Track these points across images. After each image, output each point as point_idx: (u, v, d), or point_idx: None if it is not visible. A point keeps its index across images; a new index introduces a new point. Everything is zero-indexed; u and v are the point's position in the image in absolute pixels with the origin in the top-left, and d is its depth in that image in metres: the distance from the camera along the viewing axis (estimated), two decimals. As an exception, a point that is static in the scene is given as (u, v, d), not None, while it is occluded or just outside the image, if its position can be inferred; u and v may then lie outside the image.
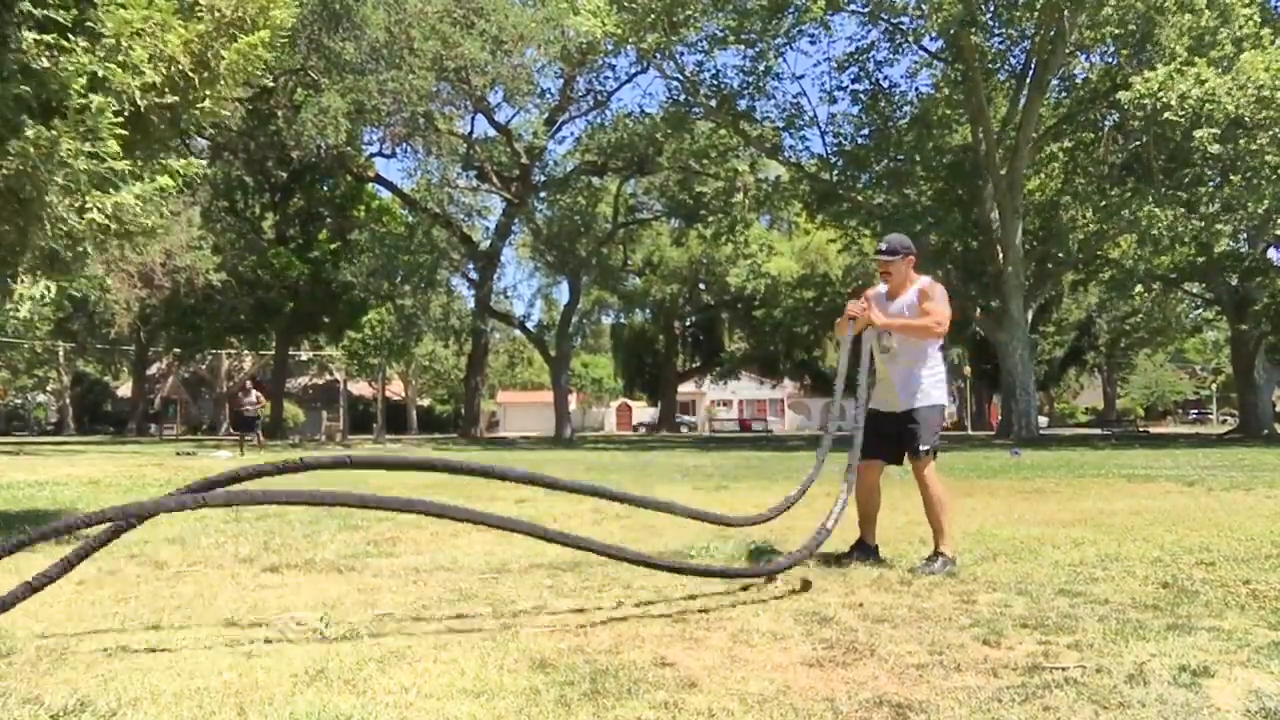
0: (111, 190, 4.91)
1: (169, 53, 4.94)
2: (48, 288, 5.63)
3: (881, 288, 4.69)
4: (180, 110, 5.24)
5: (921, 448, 4.40)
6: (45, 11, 4.52)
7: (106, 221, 4.96)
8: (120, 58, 4.74)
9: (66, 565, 2.99)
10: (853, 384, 4.56)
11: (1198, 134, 19.83)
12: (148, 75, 4.83)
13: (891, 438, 4.54)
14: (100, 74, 4.67)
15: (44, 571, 2.97)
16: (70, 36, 4.63)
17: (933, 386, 4.52)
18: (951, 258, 27.03)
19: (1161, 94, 19.89)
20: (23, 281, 5.61)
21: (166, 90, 5.02)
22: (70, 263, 5.39)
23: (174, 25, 4.97)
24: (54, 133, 4.57)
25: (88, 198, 4.84)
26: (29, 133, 4.53)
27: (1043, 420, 41.78)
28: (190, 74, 5.09)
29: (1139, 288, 30.59)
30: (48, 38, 4.56)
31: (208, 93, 5.24)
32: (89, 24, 4.72)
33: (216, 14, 5.26)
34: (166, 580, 4.22)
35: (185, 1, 5.19)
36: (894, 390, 4.55)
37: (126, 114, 4.85)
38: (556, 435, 34.53)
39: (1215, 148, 20.13)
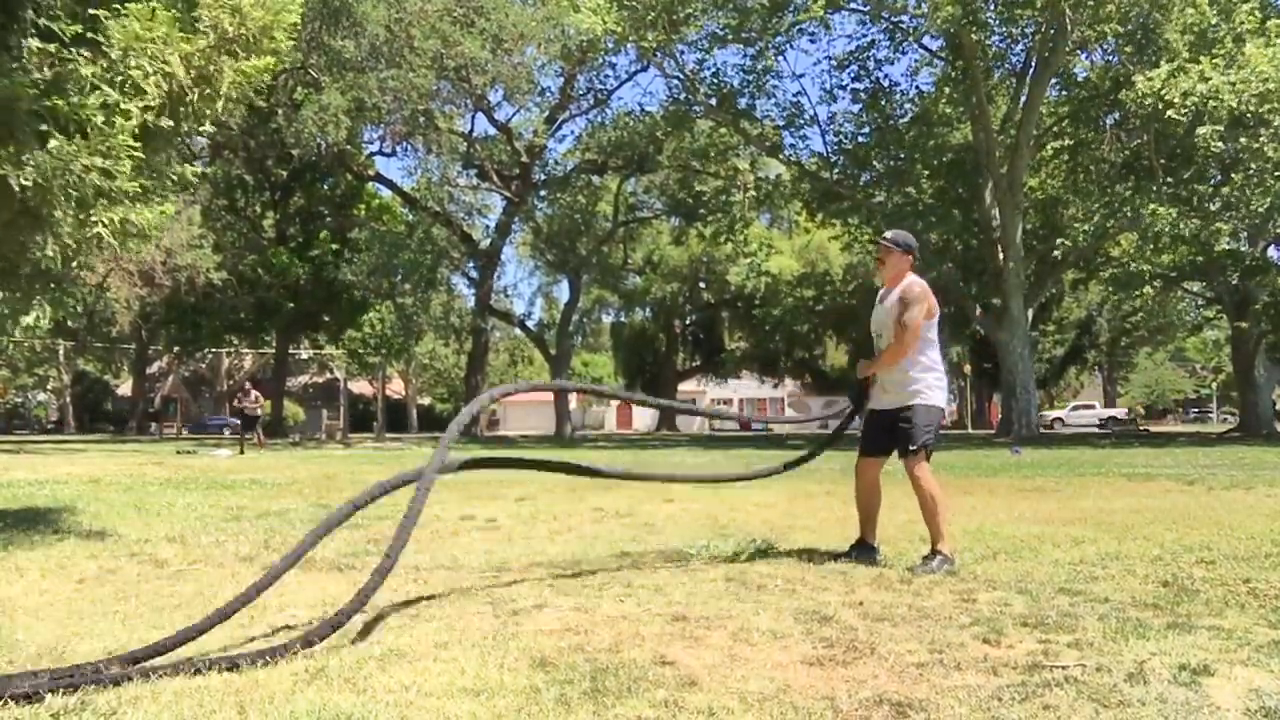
0: (119, 206, 4.93)
1: (170, 70, 4.94)
2: (41, 313, 5.68)
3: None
4: (182, 128, 5.26)
5: (910, 446, 4.40)
6: (48, 22, 4.53)
7: (112, 237, 4.99)
8: (125, 74, 4.75)
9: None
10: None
11: (1201, 130, 19.77)
12: (150, 95, 4.84)
13: (886, 434, 4.56)
14: (111, 96, 4.69)
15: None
16: (71, 49, 4.64)
17: (928, 387, 4.50)
18: (952, 256, 27.04)
19: (1165, 92, 19.84)
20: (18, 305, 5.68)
21: (166, 109, 5.03)
22: (67, 275, 5.41)
23: (175, 40, 4.97)
24: (74, 148, 4.59)
25: (92, 212, 4.86)
26: (51, 145, 4.56)
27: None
28: (190, 91, 5.09)
29: (1147, 289, 30.61)
30: (50, 47, 4.57)
31: (209, 110, 5.26)
32: (90, 35, 4.72)
33: (219, 30, 5.26)
34: (167, 579, 4.22)
35: (187, 16, 5.20)
36: (887, 388, 4.58)
37: (134, 132, 4.87)
38: (557, 434, 34.54)
39: (1218, 144, 20.05)
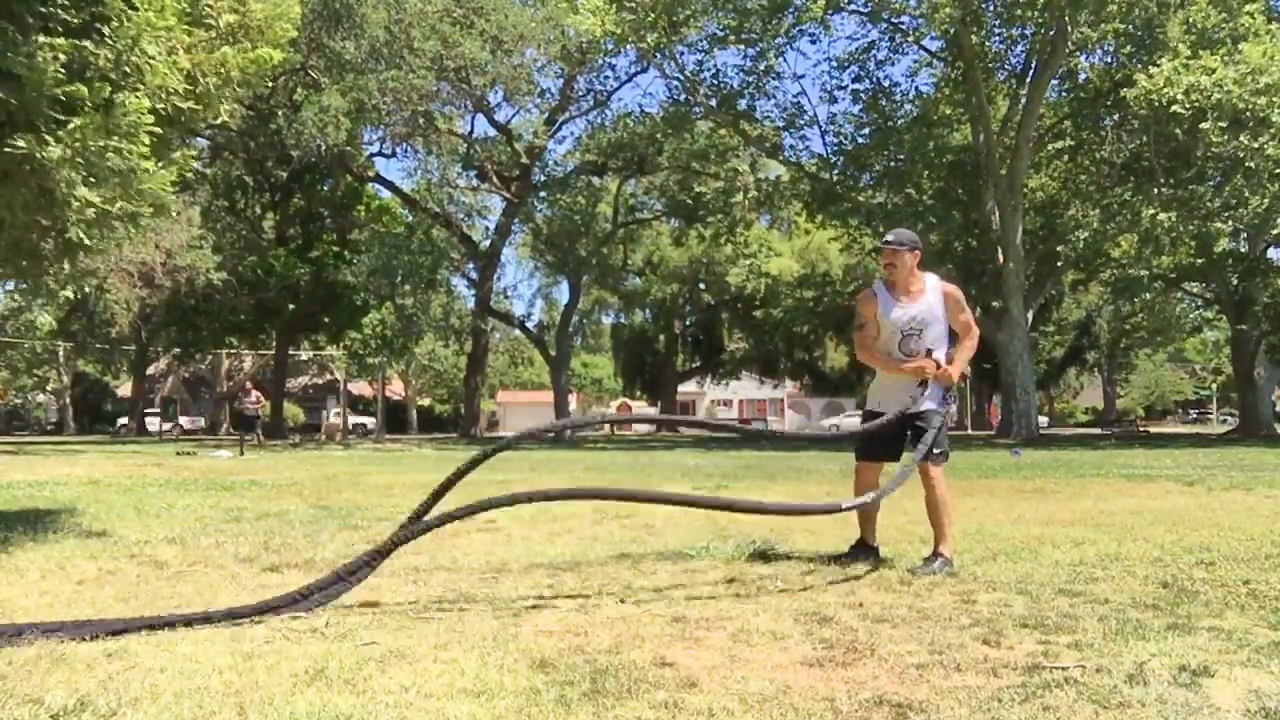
0: (133, 178, 4.97)
1: (178, 58, 4.99)
2: (75, 286, 5.77)
3: (880, 282, 4.66)
4: (195, 116, 5.31)
5: (936, 450, 4.39)
6: (54, 10, 4.57)
7: (133, 207, 5.04)
8: (133, 61, 4.79)
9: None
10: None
11: (1204, 126, 19.71)
12: (164, 75, 4.88)
13: (895, 439, 4.54)
14: (125, 72, 4.72)
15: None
16: (75, 40, 4.67)
17: (940, 389, 4.53)
18: (952, 257, 27.04)
19: (1167, 89, 19.79)
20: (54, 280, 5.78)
21: (183, 95, 5.08)
22: (91, 249, 5.45)
23: (178, 31, 5.01)
24: (93, 127, 4.64)
25: (109, 189, 4.90)
26: (72, 124, 4.59)
27: (1043, 420, 41.77)
28: (202, 79, 5.14)
29: (1146, 295, 30.62)
30: (55, 40, 4.60)
31: (220, 97, 5.31)
32: (95, 26, 4.76)
33: (223, 21, 5.31)
34: (167, 580, 4.22)
35: (196, 8, 5.23)
36: (908, 392, 4.49)
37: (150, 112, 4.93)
38: (556, 436, 34.51)
39: (1220, 139, 19.96)
